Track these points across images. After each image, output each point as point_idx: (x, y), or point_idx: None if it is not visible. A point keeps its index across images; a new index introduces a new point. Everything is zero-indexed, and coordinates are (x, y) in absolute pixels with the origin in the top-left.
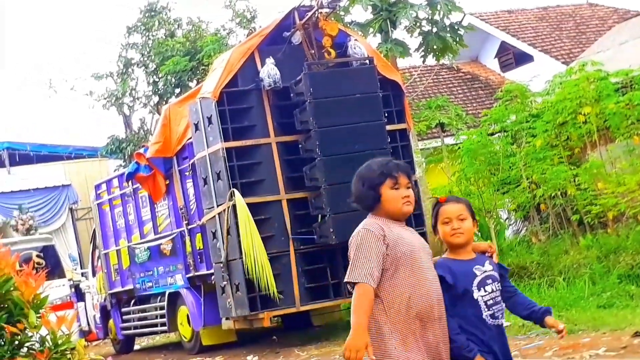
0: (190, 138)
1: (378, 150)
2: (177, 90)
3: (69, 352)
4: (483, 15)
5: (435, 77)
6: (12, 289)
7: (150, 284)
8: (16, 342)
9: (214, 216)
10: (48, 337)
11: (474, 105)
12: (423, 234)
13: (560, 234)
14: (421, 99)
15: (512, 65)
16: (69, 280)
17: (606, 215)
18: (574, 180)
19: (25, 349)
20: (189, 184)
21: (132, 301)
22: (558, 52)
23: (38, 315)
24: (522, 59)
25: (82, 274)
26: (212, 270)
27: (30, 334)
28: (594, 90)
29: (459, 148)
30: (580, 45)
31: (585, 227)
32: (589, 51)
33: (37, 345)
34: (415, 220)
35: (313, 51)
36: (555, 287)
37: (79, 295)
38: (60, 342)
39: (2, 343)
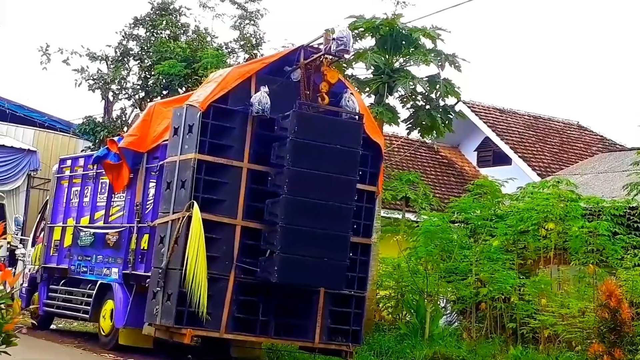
0: (166, 140)
1: (343, 204)
2: (165, 92)
3: (4, 308)
4: (475, 107)
5: (413, 152)
6: None
7: (85, 269)
8: None
9: (167, 222)
10: None
11: (443, 189)
12: (363, 298)
13: (492, 338)
14: (394, 169)
15: (490, 163)
16: (8, 243)
17: (541, 332)
18: (520, 290)
19: None
20: (152, 183)
21: (63, 281)
22: (537, 162)
23: None
24: (501, 159)
25: (21, 241)
26: (149, 273)
27: None
28: (562, 209)
29: (418, 226)
30: (560, 162)
31: (517, 337)
32: (567, 170)
33: None
34: (358, 282)
35: (308, 92)
36: None
37: (12, 260)
38: None
39: None
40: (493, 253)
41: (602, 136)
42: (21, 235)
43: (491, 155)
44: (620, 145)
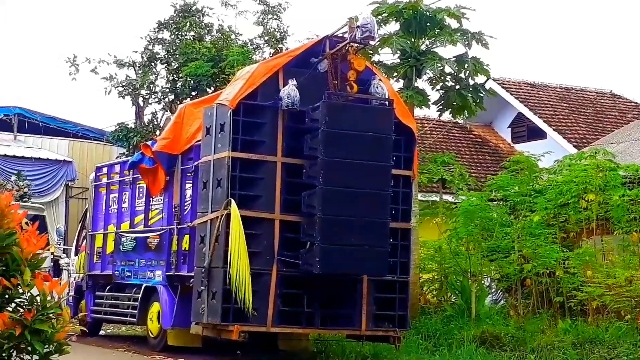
0: (199, 140)
1: (380, 191)
2: (194, 93)
3: (54, 317)
4: (505, 83)
5: (446, 133)
6: (13, 243)
7: (129, 274)
8: (6, 296)
9: (206, 221)
10: (37, 298)
11: (479, 168)
12: (406, 283)
13: (540, 313)
14: (428, 151)
15: (524, 138)
16: (51, 254)
17: (589, 303)
18: (564, 263)
19: (13, 305)
20: (188, 184)
21: (108, 287)
22: (572, 134)
23: (33, 275)
24: (535, 134)
25: (64, 251)
26: (192, 273)
27: (21, 290)
28: (601, 179)
29: (456, 207)
30: (595, 133)
31: (565, 311)
32: (603, 140)
33: (26, 303)
34: (401, 267)
35: (336, 82)
36: None
37: (57, 270)
38: (48, 305)
39: None
40: (534, 228)
41: (636, 103)
42: (64, 245)
43: (525, 131)
44: None
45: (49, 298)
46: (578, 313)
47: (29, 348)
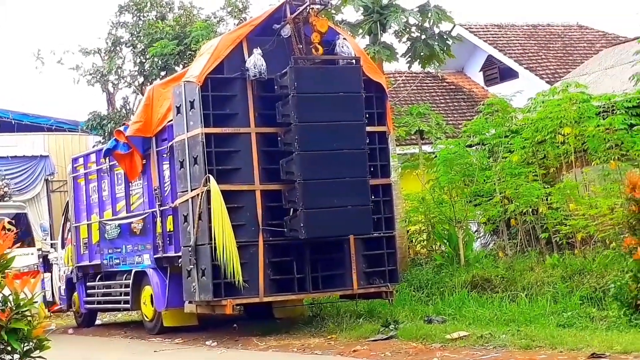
0: (171, 120)
1: (356, 150)
2: (163, 73)
3: (29, 315)
4: (472, 28)
5: (419, 84)
6: None
7: (117, 261)
8: None
9: (187, 200)
10: (10, 298)
11: (455, 116)
12: (392, 237)
13: (528, 251)
14: (403, 104)
15: (497, 80)
16: (38, 250)
17: (575, 236)
18: (547, 199)
19: None
20: (166, 165)
21: (98, 276)
22: (543, 70)
23: (3, 275)
24: (507, 74)
25: (52, 245)
26: (180, 253)
27: None
28: (575, 111)
29: (436, 157)
30: (566, 66)
31: (553, 246)
32: (574, 73)
33: None
34: (385, 223)
35: (301, 46)
36: (517, 302)
37: (47, 265)
38: (22, 303)
39: None
40: (514, 168)
41: (603, 32)
42: (50, 239)
43: (497, 73)
44: (624, 37)
45: (22, 296)
46: (565, 247)
47: (9, 348)
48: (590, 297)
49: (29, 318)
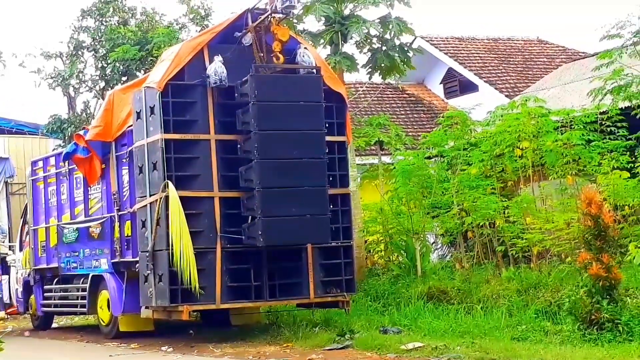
0: (131, 125)
1: (315, 159)
2: (124, 78)
3: None
4: (433, 40)
5: (379, 95)
6: None
7: (75, 265)
8: None
9: (146, 205)
10: None
11: (415, 127)
12: (350, 247)
13: (484, 264)
14: (363, 115)
15: (457, 93)
16: None
17: (531, 250)
18: (504, 212)
19: None
20: (125, 170)
21: (56, 279)
22: (503, 84)
23: None
24: (467, 87)
25: (10, 247)
26: (137, 258)
27: None
28: (534, 126)
29: (395, 167)
30: (526, 81)
31: (509, 259)
32: (534, 87)
33: None
34: (343, 232)
35: (262, 54)
36: (473, 314)
37: (4, 268)
38: None
39: None
40: (472, 181)
41: (563, 47)
42: (8, 242)
43: (457, 85)
44: (583, 53)
45: None
46: (521, 260)
47: None
48: (545, 311)
49: None
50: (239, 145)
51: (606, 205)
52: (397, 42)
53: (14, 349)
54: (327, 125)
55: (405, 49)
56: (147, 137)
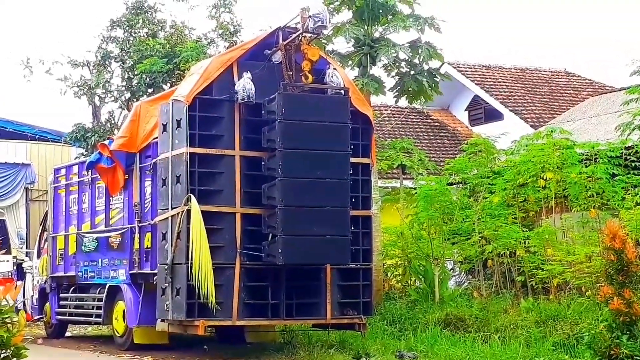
0: (157, 138)
1: (339, 179)
2: (150, 90)
3: (9, 322)
4: (460, 67)
5: (404, 119)
6: None
7: (92, 274)
8: None
9: (167, 218)
10: None
11: (438, 153)
12: (369, 269)
13: (503, 293)
14: (387, 138)
15: (482, 120)
16: (14, 257)
17: (550, 281)
18: (525, 242)
19: None
20: (148, 182)
21: (72, 288)
22: (529, 114)
23: None
24: (492, 115)
25: (27, 254)
26: (155, 270)
27: None
28: (558, 157)
29: (417, 192)
30: (552, 111)
31: (528, 289)
32: (560, 118)
33: None
34: (363, 255)
35: (291, 73)
36: (490, 343)
37: (20, 273)
38: (2, 310)
39: None
40: (494, 209)
41: (590, 80)
42: (26, 248)
43: (482, 113)
44: (610, 87)
45: (3, 303)
46: (540, 291)
47: None
48: (563, 344)
49: (9, 325)
50: (263, 163)
51: (629, 240)
52: (426, 67)
53: (28, 357)
54: (352, 146)
55: (434, 74)
56: (172, 150)
